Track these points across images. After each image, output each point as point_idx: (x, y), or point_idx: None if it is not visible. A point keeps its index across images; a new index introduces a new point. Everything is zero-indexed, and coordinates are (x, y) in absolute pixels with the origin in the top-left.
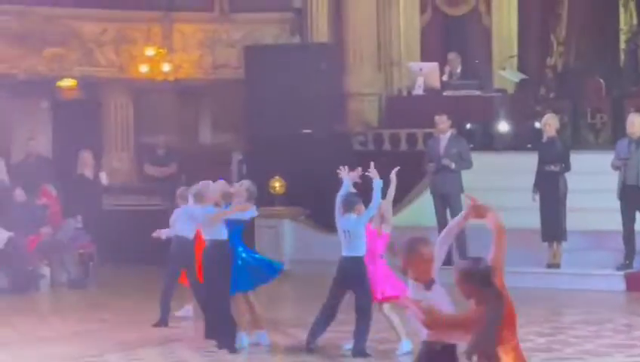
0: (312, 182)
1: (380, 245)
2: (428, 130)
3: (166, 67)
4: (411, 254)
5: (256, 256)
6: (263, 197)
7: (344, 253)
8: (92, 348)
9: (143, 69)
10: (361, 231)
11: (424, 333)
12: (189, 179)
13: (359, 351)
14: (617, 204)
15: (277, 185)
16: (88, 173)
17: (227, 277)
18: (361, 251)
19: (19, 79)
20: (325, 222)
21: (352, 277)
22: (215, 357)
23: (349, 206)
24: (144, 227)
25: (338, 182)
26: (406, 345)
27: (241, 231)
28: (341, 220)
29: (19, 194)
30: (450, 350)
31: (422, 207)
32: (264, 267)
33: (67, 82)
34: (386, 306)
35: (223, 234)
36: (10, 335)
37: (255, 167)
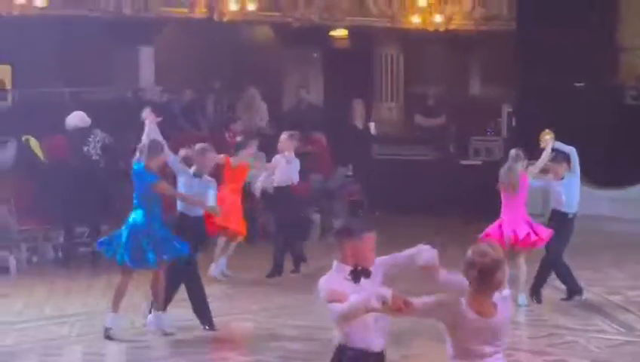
0: (582, 134)
1: None
2: None
3: (437, 18)
4: None
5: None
6: (535, 150)
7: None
8: None
9: (415, 19)
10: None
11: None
12: (458, 130)
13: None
14: None
15: (547, 137)
16: (359, 122)
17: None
18: None
19: (292, 28)
20: (595, 177)
21: None
22: None
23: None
24: (413, 176)
25: (610, 137)
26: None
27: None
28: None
29: None
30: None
31: None
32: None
33: (339, 32)
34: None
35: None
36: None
37: (525, 119)
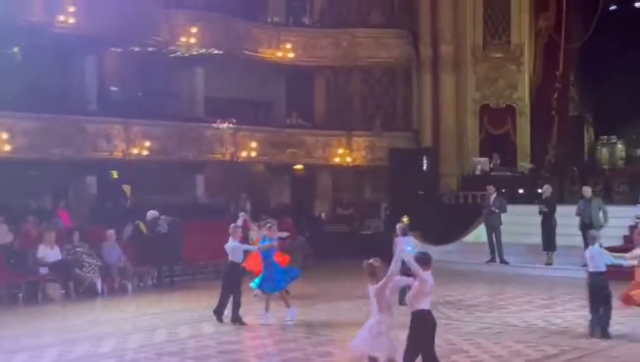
0: (423, 219)
1: None
2: (482, 193)
3: (348, 159)
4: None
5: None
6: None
7: None
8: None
9: (336, 159)
10: None
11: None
12: (359, 216)
13: None
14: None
15: (405, 219)
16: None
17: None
18: None
19: (273, 165)
20: (430, 239)
21: None
22: None
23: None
24: (338, 240)
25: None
26: None
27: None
28: None
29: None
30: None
31: (479, 233)
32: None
33: (298, 167)
34: None
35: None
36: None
37: (393, 211)
